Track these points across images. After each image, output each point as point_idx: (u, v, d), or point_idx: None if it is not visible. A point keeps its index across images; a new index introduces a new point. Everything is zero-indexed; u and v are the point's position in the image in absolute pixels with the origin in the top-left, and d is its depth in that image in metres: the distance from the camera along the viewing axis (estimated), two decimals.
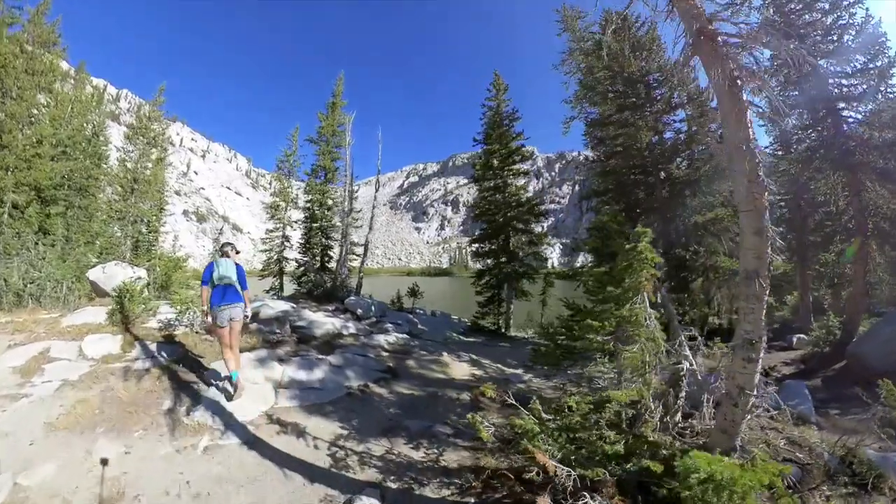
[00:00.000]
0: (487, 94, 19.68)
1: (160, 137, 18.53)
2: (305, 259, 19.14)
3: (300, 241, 19.44)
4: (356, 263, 17.56)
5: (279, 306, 9.81)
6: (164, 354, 6.13)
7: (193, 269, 17.43)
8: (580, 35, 14.94)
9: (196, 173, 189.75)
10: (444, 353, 9.12)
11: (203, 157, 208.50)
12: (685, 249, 11.91)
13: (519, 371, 8.49)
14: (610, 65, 13.48)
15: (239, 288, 5.48)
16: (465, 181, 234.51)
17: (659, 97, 13.44)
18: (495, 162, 19.06)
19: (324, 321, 9.34)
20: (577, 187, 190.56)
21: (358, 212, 18.84)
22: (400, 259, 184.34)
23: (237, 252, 6.02)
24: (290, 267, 19.64)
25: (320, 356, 7.42)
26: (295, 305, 10.49)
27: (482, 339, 12.76)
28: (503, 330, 16.73)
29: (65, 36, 16.33)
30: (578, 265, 19.13)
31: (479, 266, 19.68)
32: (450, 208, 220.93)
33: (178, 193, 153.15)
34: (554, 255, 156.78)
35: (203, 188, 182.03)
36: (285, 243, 19.89)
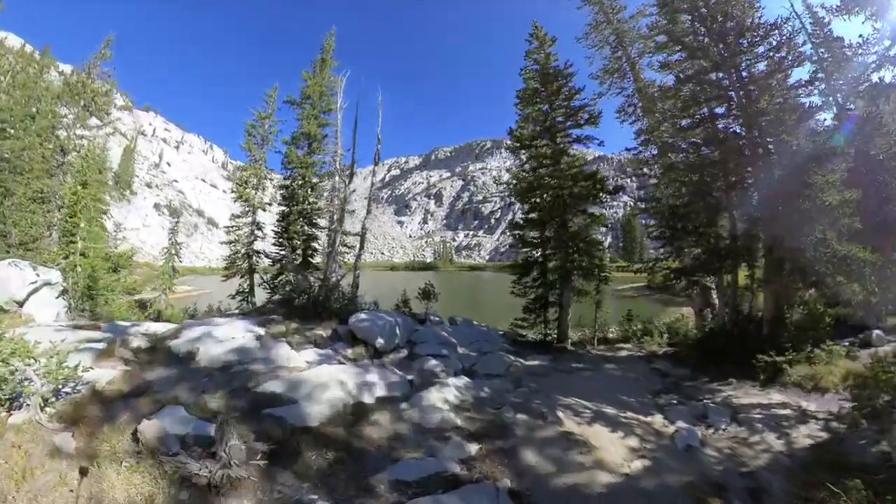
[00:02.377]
0: (528, 45, 15.88)
1: (100, 100, 15.85)
2: (282, 252, 16.64)
3: (276, 228, 17.01)
4: (349, 258, 15.30)
5: (230, 341, 6.17)
6: None
7: (149, 265, 14.89)
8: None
9: (169, 164, 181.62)
10: (558, 412, 6.41)
11: (177, 147, 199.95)
12: None
13: (699, 428, 6.51)
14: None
15: None
16: (448, 174, 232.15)
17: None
18: (550, 123, 15.18)
19: (320, 378, 5.59)
20: None
21: (352, 192, 16.56)
22: (383, 253, 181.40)
23: None
24: (266, 262, 17.26)
25: None
26: (262, 333, 7.33)
27: (547, 360, 10.89)
28: (558, 342, 13.53)
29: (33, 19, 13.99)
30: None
31: (514, 257, 17.06)
32: (433, 202, 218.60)
33: (149, 186, 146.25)
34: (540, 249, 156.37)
35: (176, 180, 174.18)
36: (256, 233, 17.42)
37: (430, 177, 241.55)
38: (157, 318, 12.85)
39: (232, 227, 17.26)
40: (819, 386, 8.01)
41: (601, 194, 14.40)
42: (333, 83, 17.49)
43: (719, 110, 12.26)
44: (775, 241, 10.37)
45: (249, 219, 17.12)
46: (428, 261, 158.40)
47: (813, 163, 9.78)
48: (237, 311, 10.88)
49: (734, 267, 11.75)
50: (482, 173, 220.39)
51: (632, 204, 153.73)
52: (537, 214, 14.77)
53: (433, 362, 7.68)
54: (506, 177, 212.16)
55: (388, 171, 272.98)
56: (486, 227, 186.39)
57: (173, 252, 17.09)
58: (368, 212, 14.28)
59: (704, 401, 8.06)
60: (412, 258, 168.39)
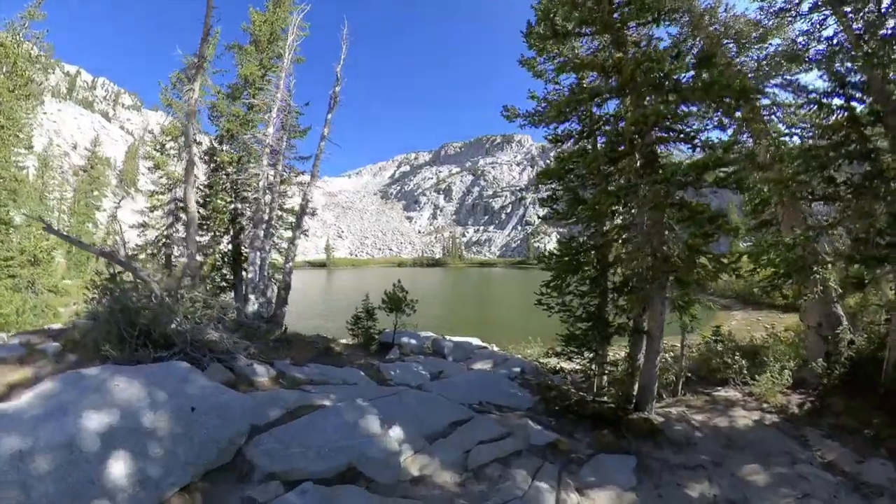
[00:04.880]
0: None
1: (23, 64, 11.52)
2: (206, 244, 11.97)
3: (202, 211, 12.33)
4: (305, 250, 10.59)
5: None
6: None
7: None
8: None
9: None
10: None
11: None
12: None
13: None
14: None
15: None
16: (458, 169, 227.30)
17: None
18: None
19: None
20: None
21: (306, 160, 11.71)
22: (391, 249, 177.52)
23: None
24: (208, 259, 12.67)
25: None
26: None
27: (626, 477, 5.06)
28: (634, 408, 6.63)
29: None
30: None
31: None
32: (442, 197, 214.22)
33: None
34: (551, 244, 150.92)
35: None
36: (175, 222, 12.71)
37: (440, 172, 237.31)
38: None
39: (148, 208, 12.68)
40: None
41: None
42: (291, 24, 12.72)
43: None
44: None
45: (168, 199, 12.52)
46: (437, 257, 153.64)
47: None
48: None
49: None
50: (492, 168, 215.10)
51: None
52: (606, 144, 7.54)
53: None
54: (516, 170, 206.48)
55: (398, 167, 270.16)
56: (497, 222, 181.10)
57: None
58: (314, 176, 9.64)
59: None
60: (421, 254, 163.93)
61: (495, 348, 11.80)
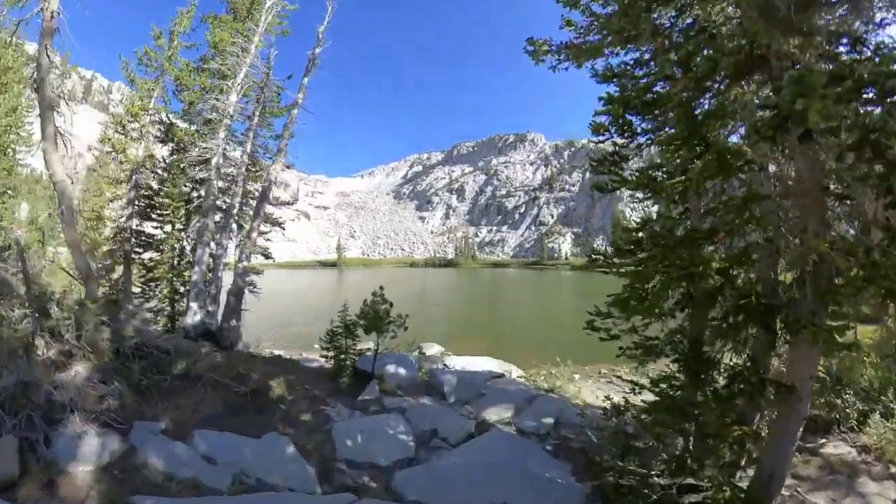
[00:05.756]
0: None
1: None
2: (163, 238, 9.98)
3: (158, 199, 10.37)
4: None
5: None
6: None
7: None
8: None
9: None
10: None
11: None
12: None
13: None
14: None
15: None
16: (470, 169, 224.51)
17: None
18: None
19: None
20: (587, 174, 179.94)
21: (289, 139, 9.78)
22: (403, 249, 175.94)
23: None
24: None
25: None
26: None
27: None
28: None
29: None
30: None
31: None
32: (455, 197, 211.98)
33: None
34: (566, 245, 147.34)
35: None
36: (136, 202, 10.74)
37: (453, 171, 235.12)
38: None
39: (113, 198, 10.78)
40: None
41: None
42: None
43: None
44: None
45: (131, 183, 10.59)
46: (449, 257, 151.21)
47: None
48: None
49: None
50: (505, 167, 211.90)
51: None
52: None
53: None
54: (530, 170, 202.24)
55: (411, 167, 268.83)
56: (510, 222, 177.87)
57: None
58: (280, 152, 7.60)
59: None
60: (433, 254, 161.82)
61: (515, 373, 9.28)
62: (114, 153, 10.62)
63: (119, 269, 10.95)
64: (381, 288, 7.98)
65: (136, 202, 10.52)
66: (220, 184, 8.92)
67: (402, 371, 8.08)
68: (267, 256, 10.41)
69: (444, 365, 8.58)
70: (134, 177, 10.60)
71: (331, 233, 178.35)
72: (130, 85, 11.35)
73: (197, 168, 9.31)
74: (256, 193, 10.37)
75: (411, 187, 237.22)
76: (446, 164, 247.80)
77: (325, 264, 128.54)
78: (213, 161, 8.08)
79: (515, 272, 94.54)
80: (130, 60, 11.18)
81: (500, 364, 9.63)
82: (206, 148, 8.83)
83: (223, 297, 9.12)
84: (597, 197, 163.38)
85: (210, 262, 7.73)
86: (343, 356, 8.00)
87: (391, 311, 7.84)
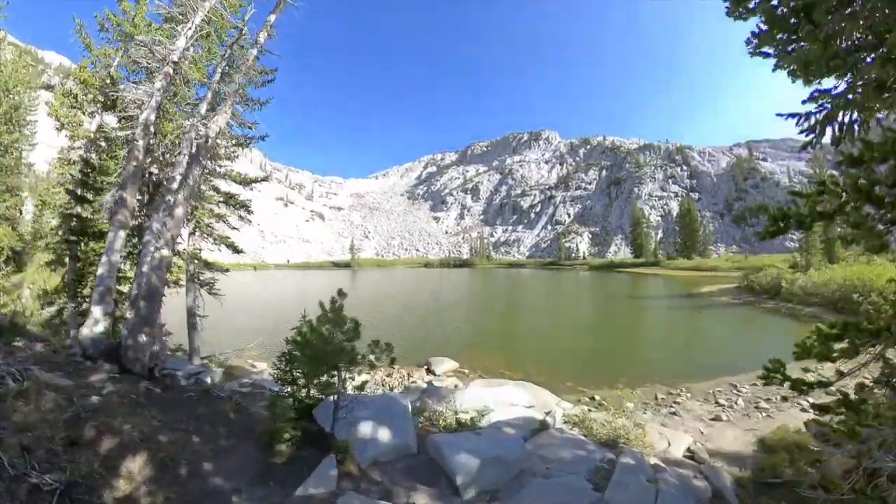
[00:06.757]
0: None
1: None
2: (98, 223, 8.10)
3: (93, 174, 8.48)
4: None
5: None
6: None
7: None
8: None
9: None
10: None
11: None
12: None
13: None
14: None
15: None
16: (485, 169, 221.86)
17: None
18: None
19: None
20: (603, 172, 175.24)
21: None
22: (417, 250, 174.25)
23: None
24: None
25: None
26: None
27: None
28: None
29: None
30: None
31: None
32: (469, 197, 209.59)
33: None
34: (583, 244, 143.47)
35: None
36: (78, 202, 8.88)
37: (467, 171, 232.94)
38: None
39: (59, 180, 9.01)
40: None
41: None
42: None
43: None
44: None
45: (77, 162, 8.80)
46: (464, 257, 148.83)
47: None
48: None
49: None
50: (520, 166, 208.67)
51: (683, 194, 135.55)
52: None
53: None
54: (545, 168, 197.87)
55: (425, 167, 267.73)
56: (525, 222, 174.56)
57: None
58: (217, 95, 5.61)
59: None
60: (448, 254, 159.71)
61: (557, 412, 6.18)
62: (62, 130, 8.86)
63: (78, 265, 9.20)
64: (341, 292, 5.06)
65: (81, 184, 8.68)
66: (160, 152, 7.00)
67: (383, 435, 4.94)
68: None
69: (456, 407, 5.84)
70: (86, 155, 8.78)
71: (345, 234, 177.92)
72: (84, 51, 9.58)
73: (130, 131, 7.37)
74: (220, 171, 8.43)
75: (425, 188, 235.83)
76: (460, 164, 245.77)
77: (338, 265, 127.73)
78: (142, 117, 6.10)
79: (531, 272, 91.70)
80: (85, 22, 9.47)
81: (532, 392, 7.12)
82: (132, 100, 6.74)
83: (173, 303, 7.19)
84: (613, 196, 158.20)
85: (130, 251, 5.84)
86: (289, 399, 5.01)
87: (366, 329, 4.88)
